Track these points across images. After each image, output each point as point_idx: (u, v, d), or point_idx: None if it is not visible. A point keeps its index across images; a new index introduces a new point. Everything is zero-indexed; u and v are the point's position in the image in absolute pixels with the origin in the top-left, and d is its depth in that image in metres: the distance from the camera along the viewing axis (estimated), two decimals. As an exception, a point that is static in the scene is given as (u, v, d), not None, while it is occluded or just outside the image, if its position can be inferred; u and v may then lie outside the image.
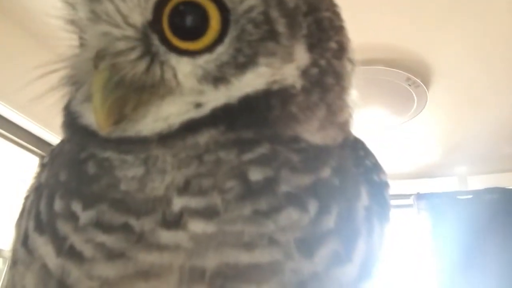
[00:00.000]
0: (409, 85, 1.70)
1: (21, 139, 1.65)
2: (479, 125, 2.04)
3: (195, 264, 0.25)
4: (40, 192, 0.32)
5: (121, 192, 0.27)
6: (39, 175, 0.35)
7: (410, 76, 1.65)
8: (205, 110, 0.28)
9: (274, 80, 0.29)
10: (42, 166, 0.36)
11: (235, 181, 0.27)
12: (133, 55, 0.28)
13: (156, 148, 0.28)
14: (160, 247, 0.25)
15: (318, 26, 0.31)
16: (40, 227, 0.29)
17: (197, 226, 0.26)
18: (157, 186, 0.27)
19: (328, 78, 0.31)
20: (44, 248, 0.28)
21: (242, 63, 0.29)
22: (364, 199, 0.31)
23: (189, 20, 0.28)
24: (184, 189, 0.27)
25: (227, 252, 0.25)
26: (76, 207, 0.28)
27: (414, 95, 1.76)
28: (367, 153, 0.36)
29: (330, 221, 0.27)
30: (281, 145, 0.28)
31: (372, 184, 0.34)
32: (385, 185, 0.35)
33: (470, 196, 2.38)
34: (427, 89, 1.73)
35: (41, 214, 0.30)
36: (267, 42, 0.29)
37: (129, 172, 0.28)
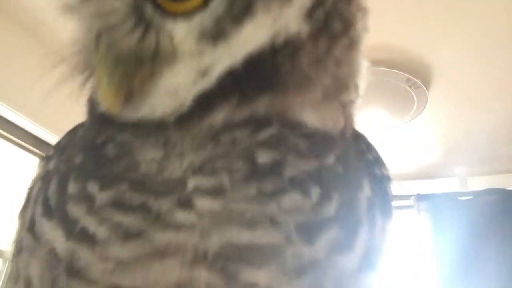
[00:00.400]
0: (409, 86, 1.70)
1: (20, 139, 1.65)
2: (479, 126, 2.04)
3: (200, 244, 0.25)
4: (47, 180, 0.31)
5: (141, 173, 0.27)
6: (45, 165, 0.35)
7: (410, 77, 1.65)
8: (212, 77, 0.27)
9: (276, 30, 0.27)
10: (48, 158, 0.36)
11: (244, 162, 0.27)
12: (127, 26, 0.28)
13: (174, 132, 0.28)
14: (176, 227, 0.25)
15: None
16: (48, 212, 0.29)
17: (204, 203, 0.26)
18: (176, 168, 0.27)
19: (335, 23, 0.30)
20: (53, 232, 0.27)
21: (238, 13, 0.27)
22: (366, 190, 0.31)
23: None
24: (200, 170, 0.27)
25: (230, 230, 0.25)
26: (93, 187, 0.27)
27: (414, 96, 1.76)
28: (369, 147, 0.36)
29: (331, 208, 0.27)
30: (289, 129, 0.28)
31: (374, 177, 0.33)
32: (387, 178, 0.35)
33: (470, 197, 2.38)
34: (427, 90, 1.73)
35: (49, 200, 0.29)
36: None
37: (148, 154, 0.28)
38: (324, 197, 0.27)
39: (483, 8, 1.35)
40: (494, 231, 2.21)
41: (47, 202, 0.29)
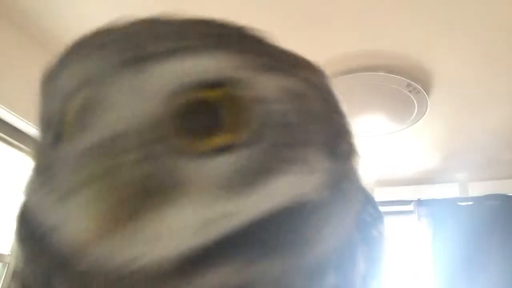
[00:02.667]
0: (410, 91, 1.70)
1: (21, 143, 1.65)
2: (480, 131, 2.04)
3: None
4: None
5: None
6: None
7: (411, 82, 1.65)
8: (216, 231, 0.23)
9: (297, 193, 0.25)
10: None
11: None
12: (133, 156, 0.23)
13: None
14: None
15: (335, 131, 0.29)
16: None
17: None
18: None
19: (346, 184, 0.28)
20: None
21: (265, 168, 0.24)
22: (361, 268, 0.30)
23: (202, 119, 0.24)
24: None
25: None
26: None
27: (414, 101, 1.76)
28: (366, 205, 0.34)
29: None
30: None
31: (369, 242, 0.32)
32: (384, 238, 0.34)
33: (470, 203, 2.38)
34: (428, 95, 1.73)
35: None
36: (292, 148, 0.25)
37: None
38: None
39: (483, 14, 1.36)
40: (494, 237, 2.21)
41: None
